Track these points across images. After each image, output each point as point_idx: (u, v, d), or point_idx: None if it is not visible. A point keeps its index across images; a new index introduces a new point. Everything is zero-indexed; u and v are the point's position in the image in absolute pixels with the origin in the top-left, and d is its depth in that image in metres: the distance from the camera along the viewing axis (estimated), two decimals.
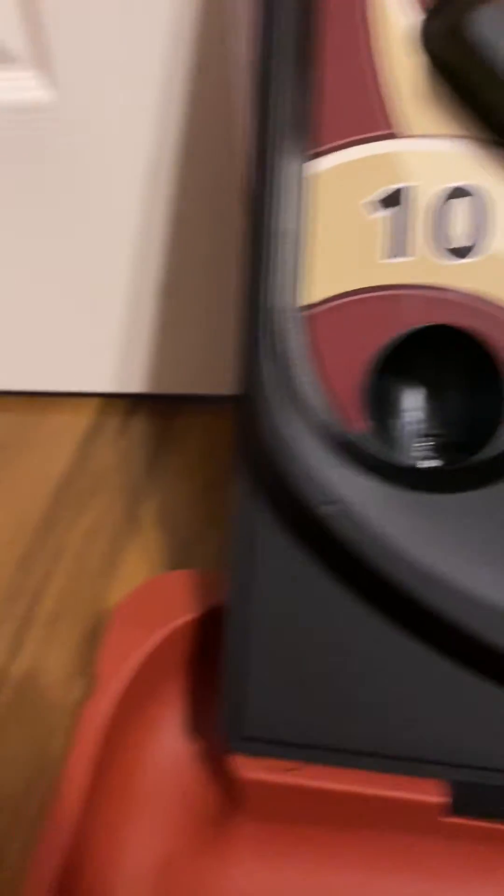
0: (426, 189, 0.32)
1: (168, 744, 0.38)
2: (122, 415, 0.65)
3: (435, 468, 0.34)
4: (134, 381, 0.65)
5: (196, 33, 0.47)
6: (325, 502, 0.30)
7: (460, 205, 0.32)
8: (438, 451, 0.36)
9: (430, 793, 0.32)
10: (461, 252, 0.32)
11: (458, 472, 0.32)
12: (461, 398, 0.36)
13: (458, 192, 0.32)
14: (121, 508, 0.57)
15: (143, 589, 0.40)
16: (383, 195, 0.32)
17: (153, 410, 0.65)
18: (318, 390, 0.32)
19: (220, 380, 0.64)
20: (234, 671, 0.31)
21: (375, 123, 0.31)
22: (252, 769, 0.32)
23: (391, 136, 0.32)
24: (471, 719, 0.31)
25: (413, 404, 0.36)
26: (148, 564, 0.53)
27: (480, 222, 0.31)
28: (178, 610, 0.38)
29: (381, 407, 0.34)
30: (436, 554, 0.30)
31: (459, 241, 0.32)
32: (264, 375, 0.30)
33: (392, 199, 0.32)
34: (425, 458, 0.36)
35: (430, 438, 0.36)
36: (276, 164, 0.30)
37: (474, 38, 0.29)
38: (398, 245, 0.32)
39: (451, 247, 0.32)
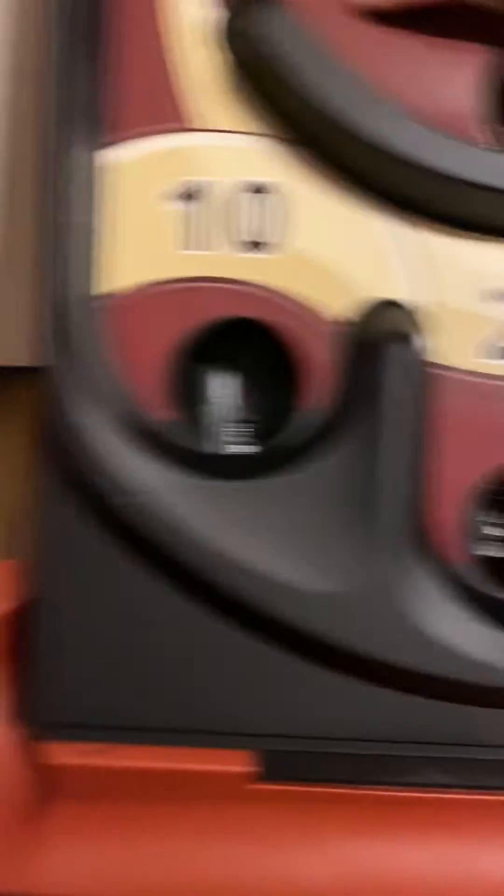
0: (225, 183, 0.32)
1: None
2: None
3: (233, 455, 0.35)
4: None
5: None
6: (122, 493, 0.31)
7: (259, 201, 0.32)
8: (254, 437, 0.37)
9: (238, 763, 0.33)
10: (260, 248, 0.33)
11: (255, 458, 0.33)
12: (272, 385, 0.37)
13: (257, 189, 0.32)
14: None
15: None
16: (182, 188, 0.32)
17: None
18: (119, 380, 0.32)
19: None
20: (42, 658, 0.32)
21: (172, 115, 0.32)
22: (61, 754, 0.32)
23: (189, 129, 0.32)
24: (273, 689, 0.33)
25: (225, 392, 0.37)
26: None
27: (278, 219, 0.32)
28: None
29: (191, 396, 0.35)
30: (236, 541, 0.31)
31: (259, 237, 0.33)
32: (57, 365, 0.30)
33: (191, 193, 0.32)
34: (241, 444, 0.37)
35: (246, 425, 0.38)
36: (65, 153, 0.30)
37: (264, 41, 0.29)
38: (199, 238, 0.32)
39: (250, 241, 0.33)
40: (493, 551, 0.40)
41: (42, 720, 0.34)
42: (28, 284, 0.60)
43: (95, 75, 0.32)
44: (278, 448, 0.35)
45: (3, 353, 0.66)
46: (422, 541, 0.31)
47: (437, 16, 0.31)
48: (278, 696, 0.33)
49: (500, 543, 0.40)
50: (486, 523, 0.40)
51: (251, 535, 0.32)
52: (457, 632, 0.30)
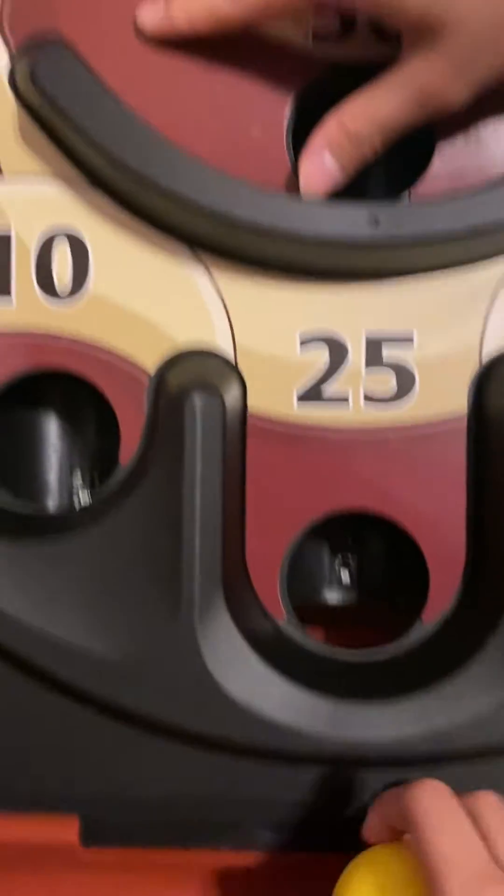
0: (26, 232, 0.32)
1: None
2: None
3: (34, 516, 0.34)
4: None
5: None
6: None
7: (60, 248, 0.32)
8: (92, 483, 0.36)
9: (62, 828, 0.32)
10: (63, 296, 0.32)
11: (58, 518, 0.32)
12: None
13: (58, 236, 0.31)
14: None
15: None
16: None
17: None
18: None
19: None
20: None
21: None
22: None
23: None
24: (92, 753, 0.32)
25: (55, 441, 0.36)
26: None
27: (80, 265, 0.32)
28: None
29: (15, 447, 0.34)
30: (34, 606, 0.30)
31: (62, 285, 0.32)
32: None
33: None
34: (80, 489, 0.36)
35: (84, 471, 0.37)
36: None
37: (41, 83, 0.28)
38: (2, 287, 0.32)
39: (55, 291, 0.32)
40: (335, 597, 0.39)
41: None
42: None
43: None
44: (87, 505, 0.34)
45: None
46: (229, 599, 0.30)
47: (237, 51, 0.30)
48: (97, 758, 0.32)
49: (344, 589, 0.39)
50: (333, 568, 0.39)
51: (50, 599, 0.30)
52: (263, 696, 0.29)
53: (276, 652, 0.31)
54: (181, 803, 0.32)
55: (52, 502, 0.36)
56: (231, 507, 0.31)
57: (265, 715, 0.29)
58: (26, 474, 0.36)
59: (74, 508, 0.35)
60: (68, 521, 0.32)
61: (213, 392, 0.30)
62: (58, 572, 0.31)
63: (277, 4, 0.29)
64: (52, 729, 0.32)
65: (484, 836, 0.26)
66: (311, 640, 0.33)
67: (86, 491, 0.37)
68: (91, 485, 0.37)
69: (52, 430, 0.36)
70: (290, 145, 0.32)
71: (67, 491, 0.37)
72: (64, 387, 0.36)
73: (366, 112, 0.29)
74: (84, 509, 0.33)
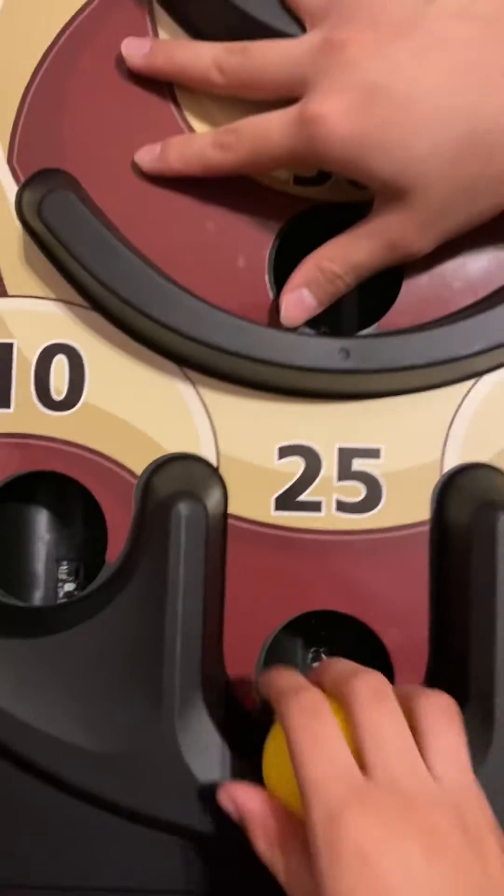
0: (27, 346, 0.34)
1: None
2: None
3: (21, 608, 0.36)
4: None
5: None
6: None
7: (58, 361, 0.34)
8: (76, 574, 0.38)
9: None
10: (59, 404, 0.34)
11: (43, 613, 0.34)
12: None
13: (56, 350, 0.34)
14: None
15: None
16: None
17: None
18: None
19: None
20: None
21: None
22: None
23: None
24: (75, 842, 0.33)
25: (44, 535, 0.38)
26: None
27: (76, 377, 0.34)
28: None
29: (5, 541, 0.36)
30: (12, 697, 0.32)
31: (58, 395, 0.34)
32: None
33: None
34: (65, 581, 0.38)
35: (69, 563, 0.39)
36: None
37: (46, 219, 0.31)
38: (2, 396, 0.34)
39: (51, 399, 0.34)
40: None
41: None
42: None
43: None
44: (74, 602, 0.36)
45: None
46: (207, 695, 0.32)
47: (225, 190, 0.34)
48: (78, 848, 0.34)
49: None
50: (306, 659, 0.41)
51: (36, 692, 0.32)
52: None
53: (251, 744, 0.33)
54: (162, 892, 0.33)
55: (39, 594, 0.38)
56: (211, 606, 0.34)
57: None
58: (16, 568, 0.38)
59: (61, 601, 0.38)
60: (57, 616, 0.34)
61: (198, 500, 0.33)
62: (44, 666, 0.33)
63: (263, 160, 0.32)
64: (36, 817, 0.33)
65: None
66: None
67: (72, 584, 0.39)
68: (76, 577, 0.40)
69: (41, 525, 0.39)
70: (272, 275, 0.35)
71: (54, 584, 0.39)
72: (54, 485, 0.38)
73: (340, 255, 0.32)
74: (72, 606, 0.35)
